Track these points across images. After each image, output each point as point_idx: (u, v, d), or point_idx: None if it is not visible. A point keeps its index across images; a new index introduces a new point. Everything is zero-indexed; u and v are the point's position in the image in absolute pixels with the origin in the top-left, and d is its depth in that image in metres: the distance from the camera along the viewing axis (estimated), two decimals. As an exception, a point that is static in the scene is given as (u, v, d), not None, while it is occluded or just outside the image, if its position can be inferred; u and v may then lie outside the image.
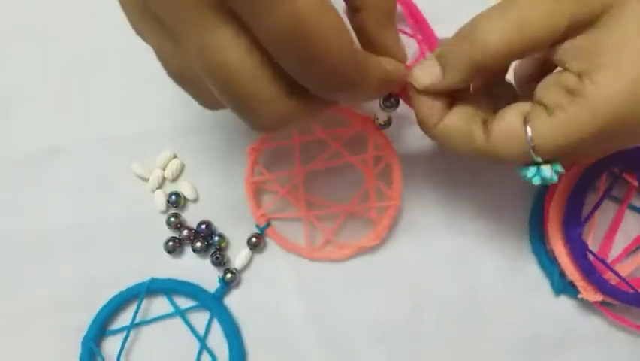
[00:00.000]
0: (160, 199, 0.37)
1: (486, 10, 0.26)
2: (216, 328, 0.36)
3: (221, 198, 0.37)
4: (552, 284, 0.35)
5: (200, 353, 0.36)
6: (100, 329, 0.36)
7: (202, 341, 0.36)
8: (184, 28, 0.21)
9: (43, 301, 0.36)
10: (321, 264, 0.36)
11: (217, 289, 0.36)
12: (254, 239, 0.36)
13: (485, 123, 0.27)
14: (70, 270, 0.37)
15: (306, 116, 0.24)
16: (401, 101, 0.30)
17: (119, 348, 0.35)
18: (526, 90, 0.29)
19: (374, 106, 0.31)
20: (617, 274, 0.33)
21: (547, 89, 0.26)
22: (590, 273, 0.33)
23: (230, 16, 0.21)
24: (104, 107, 0.37)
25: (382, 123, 0.33)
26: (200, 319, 0.36)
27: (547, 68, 0.28)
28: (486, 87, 0.30)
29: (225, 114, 0.28)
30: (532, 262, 0.36)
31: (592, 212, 0.34)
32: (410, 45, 0.35)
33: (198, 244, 0.36)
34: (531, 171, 0.26)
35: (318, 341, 0.36)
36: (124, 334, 0.36)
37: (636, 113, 0.24)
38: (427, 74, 0.27)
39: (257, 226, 0.36)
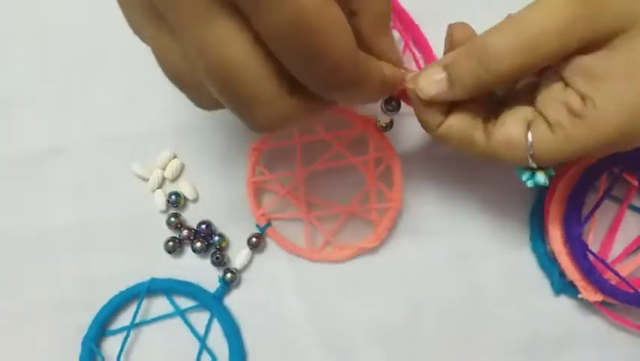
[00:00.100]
0: (160, 199, 0.37)
1: (496, 29, 0.26)
2: (216, 328, 0.36)
3: (221, 198, 0.37)
4: (552, 284, 0.35)
5: (200, 353, 0.36)
6: (100, 329, 0.36)
7: (202, 341, 0.36)
8: (186, 22, 0.21)
9: (43, 301, 0.36)
10: (321, 264, 0.36)
11: (217, 289, 0.36)
12: (254, 239, 0.36)
13: (486, 126, 0.28)
14: (70, 270, 0.37)
15: (305, 116, 0.24)
16: (402, 103, 0.30)
17: (119, 348, 0.35)
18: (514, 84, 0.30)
19: (376, 108, 0.31)
20: (617, 274, 0.33)
21: (549, 102, 0.26)
22: (590, 273, 0.33)
23: (233, 11, 0.20)
24: (104, 107, 0.37)
25: (384, 125, 0.33)
26: (200, 319, 0.36)
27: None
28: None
29: (225, 114, 0.28)
30: (532, 262, 0.36)
31: (592, 212, 0.34)
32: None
33: (198, 244, 0.36)
34: (526, 175, 0.28)
35: (318, 341, 0.36)
36: (124, 334, 0.36)
37: (638, 131, 0.25)
38: (432, 84, 0.27)
39: (257, 226, 0.36)
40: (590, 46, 0.25)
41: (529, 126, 0.26)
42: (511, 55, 0.25)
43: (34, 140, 0.37)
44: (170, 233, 0.36)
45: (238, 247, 0.36)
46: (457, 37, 0.28)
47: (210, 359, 0.36)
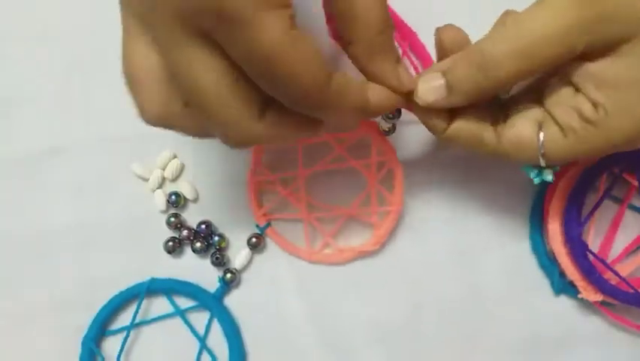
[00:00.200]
0: (160, 199, 0.37)
1: (495, 34, 0.26)
2: (216, 328, 0.36)
3: (221, 198, 0.37)
4: (552, 284, 0.35)
5: (200, 353, 0.36)
6: (100, 329, 0.36)
7: (202, 341, 0.36)
8: (164, 45, 0.23)
9: (43, 301, 0.36)
10: (321, 264, 0.36)
11: (217, 289, 0.36)
12: (254, 239, 0.36)
13: (495, 125, 0.28)
14: (70, 270, 0.37)
15: (277, 140, 0.24)
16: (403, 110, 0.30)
17: (119, 348, 0.35)
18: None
19: None
20: (617, 274, 0.33)
21: (559, 106, 0.26)
22: (590, 273, 0.33)
23: (206, 38, 0.21)
24: (104, 107, 0.37)
25: (386, 130, 0.33)
26: (200, 319, 0.36)
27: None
28: None
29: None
30: (532, 262, 0.36)
31: (592, 212, 0.34)
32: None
33: (198, 244, 0.36)
34: (534, 172, 0.28)
35: (318, 341, 0.36)
36: (124, 334, 0.36)
37: None
38: (430, 91, 0.27)
39: (257, 226, 0.36)
40: (597, 51, 0.25)
41: (540, 127, 0.27)
42: (511, 61, 0.25)
43: (34, 140, 0.37)
44: (170, 233, 0.36)
45: (238, 247, 0.36)
46: (447, 40, 0.27)
47: (210, 359, 0.36)
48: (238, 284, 0.36)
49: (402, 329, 0.36)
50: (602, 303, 0.34)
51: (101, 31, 0.38)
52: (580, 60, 0.25)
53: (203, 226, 0.36)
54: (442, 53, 0.28)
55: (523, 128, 0.27)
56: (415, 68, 0.36)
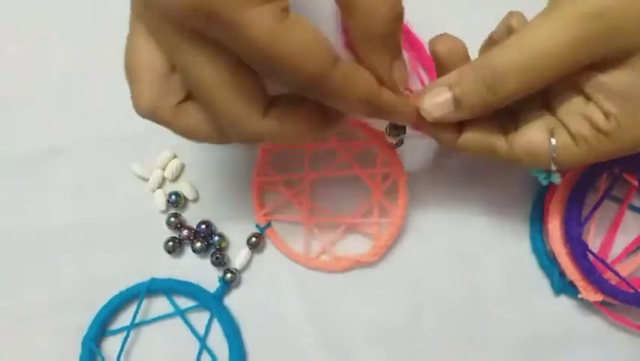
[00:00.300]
0: (160, 199, 0.37)
1: (502, 47, 0.25)
2: (216, 328, 0.36)
3: (221, 198, 0.37)
4: (552, 284, 0.35)
5: (200, 353, 0.36)
6: (100, 329, 0.36)
7: (202, 341, 0.36)
8: (165, 43, 0.23)
9: (43, 301, 0.36)
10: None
11: (217, 289, 0.36)
12: (254, 239, 0.36)
13: (506, 133, 0.28)
14: (70, 270, 0.37)
15: (281, 138, 0.24)
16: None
17: (119, 348, 0.35)
18: None
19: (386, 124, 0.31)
20: (617, 274, 0.33)
21: (570, 115, 0.26)
22: (590, 273, 0.33)
23: (204, 35, 0.22)
24: (104, 107, 0.37)
25: (394, 143, 0.33)
26: (200, 319, 0.36)
27: None
28: None
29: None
30: (532, 262, 0.36)
31: (592, 212, 0.34)
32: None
33: (198, 244, 0.36)
34: (543, 175, 0.30)
35: (318, 341, 0.36)
36: (124, 334, 0.36)
37: None
38: (437, 106, 0.27)
39: (257, 226, 0.36)
40: (607, 62, 0.25)
41: (551, 133, 0.27)
42: (518, 76, 0.25)
43: (34, 140, 0.37)
44: (170, 233, 0.36)
45: (238, 247, 0.36)
46: (442, 51, 0.27)
47: (210, 359, 0.36)
48: (238, 284, 0.36)
49: (402, 329, 0.36)
50: (602, 303, 0.34)
51: (100, 31, 0.38)
52: (590, 70, 0.25)
53: (203, 226, 0.36)
54: (441, 66, 0.27)
55: (535, 135, 0.27)
56: (421, 82, 0.36)
